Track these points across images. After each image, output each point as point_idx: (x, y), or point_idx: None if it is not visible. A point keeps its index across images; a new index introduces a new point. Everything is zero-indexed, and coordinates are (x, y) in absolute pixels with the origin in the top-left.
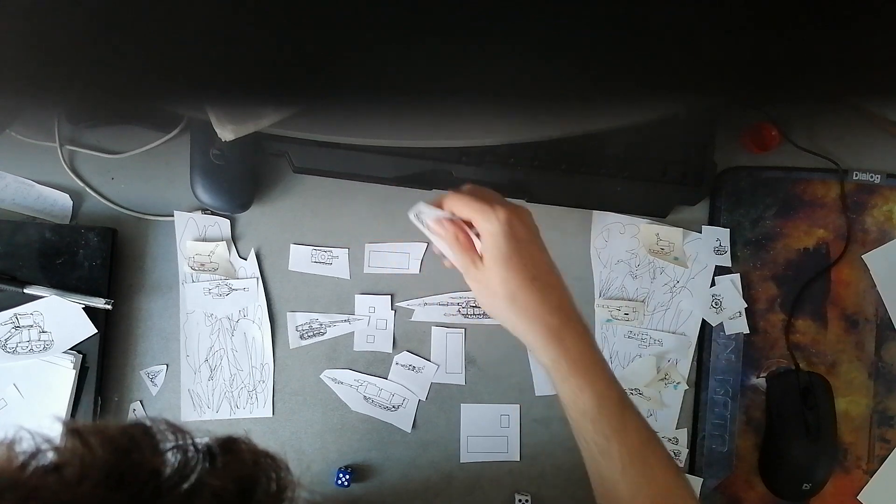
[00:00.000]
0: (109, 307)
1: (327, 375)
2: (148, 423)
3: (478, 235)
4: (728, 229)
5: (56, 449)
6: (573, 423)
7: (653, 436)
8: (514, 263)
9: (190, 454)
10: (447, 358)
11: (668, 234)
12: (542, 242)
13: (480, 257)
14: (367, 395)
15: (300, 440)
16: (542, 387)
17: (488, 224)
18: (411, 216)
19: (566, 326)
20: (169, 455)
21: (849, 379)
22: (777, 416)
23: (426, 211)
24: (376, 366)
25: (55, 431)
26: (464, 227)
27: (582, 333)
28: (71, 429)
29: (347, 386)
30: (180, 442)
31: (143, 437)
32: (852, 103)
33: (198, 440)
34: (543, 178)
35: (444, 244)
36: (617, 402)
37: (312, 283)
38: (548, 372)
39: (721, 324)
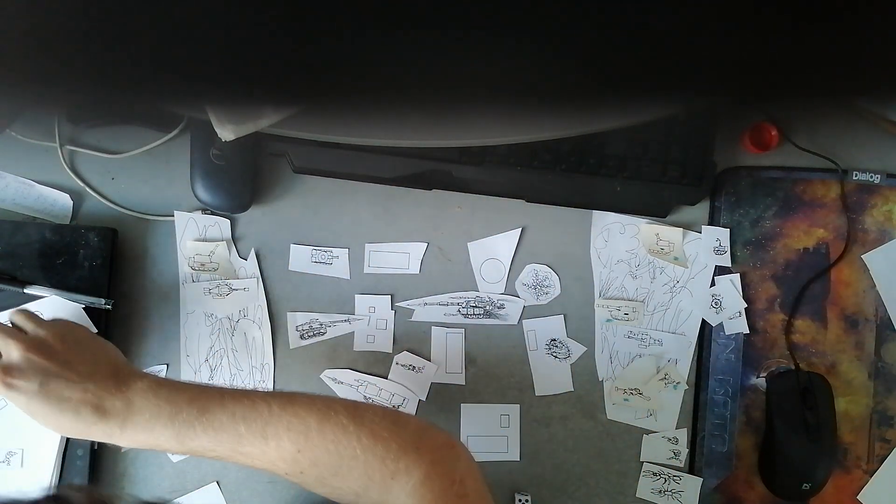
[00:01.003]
0: (109, 307)
1: (327, 375)
2: None
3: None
4: (728, 229)
5: None
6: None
7: (320, 406)
8: (40, 407)
9: None
10: (447, 358)
11: (668, 234)
12: (61, 338)
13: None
14: (368, 395)
15: None
16: (542, 387)
17: None
18: None
19: (134, 407)
20: None
21: (849, 379)
22: (777, 415)
23: None
24: (376, 366)
25: None
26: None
27: (158, 396)
28: None
29: (348, 386)
30: None
31: None
32: (852, 103)
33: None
34: (543, 178)
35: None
36: (230, 424)
37: (312, 283)
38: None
39: (721, 324)
